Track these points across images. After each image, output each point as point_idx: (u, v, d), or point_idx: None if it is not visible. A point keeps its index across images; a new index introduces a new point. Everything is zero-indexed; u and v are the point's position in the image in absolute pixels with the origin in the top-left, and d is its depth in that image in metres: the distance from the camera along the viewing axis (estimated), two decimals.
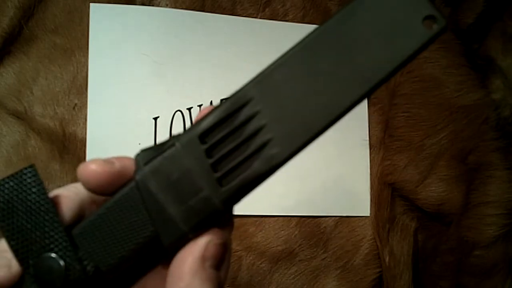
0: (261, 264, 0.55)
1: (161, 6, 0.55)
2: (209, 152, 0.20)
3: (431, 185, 0.59)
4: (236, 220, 0.55)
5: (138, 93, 0.53)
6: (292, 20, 0.59)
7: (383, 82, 0.20)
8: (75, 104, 0.52)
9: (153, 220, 0.20)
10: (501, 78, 0.64)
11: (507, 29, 0.64)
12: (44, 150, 0.50)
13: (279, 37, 0.58)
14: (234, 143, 0.20)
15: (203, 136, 0.20)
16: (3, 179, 0.20)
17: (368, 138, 0.59)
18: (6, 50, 0.51)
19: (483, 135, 0.61)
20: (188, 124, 0.54)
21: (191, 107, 0.55)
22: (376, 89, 0.20)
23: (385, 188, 0.59)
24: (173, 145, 0.20)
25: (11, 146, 0.50)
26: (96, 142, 0.51)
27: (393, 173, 0.59)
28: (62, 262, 0.19)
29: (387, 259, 0.58)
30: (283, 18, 0.59)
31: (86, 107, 0.51)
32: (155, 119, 0.53)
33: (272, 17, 0.58)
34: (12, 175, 0.20)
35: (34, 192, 0.20)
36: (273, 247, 0.55)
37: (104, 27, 0.53)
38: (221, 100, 0.56)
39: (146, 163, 0.20)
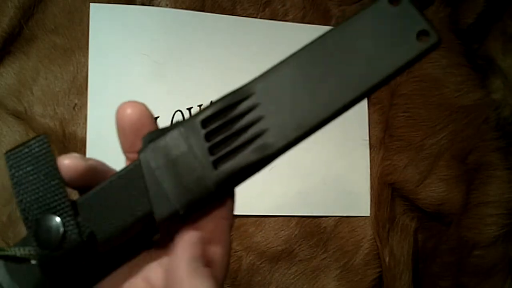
0: (261, 264, 0.55)
1: (161, 6, 0.55)
2: (208, 137, 0.22)
3: (431, 185, 0.59)
4: (236, 220, 0.55)
5: (138, 93, 0.53)
6: (292, 20, 0.59)
7: (374, 89, 0.22)
8: (75, 104, 0.52)
9: (150, 196, 0.22)
10: (501, 78, 0.64)
11: (507, 29, 0.64)
12: None
13: (279, 37, 0.58)
14: (232, 130, 0.22)
15: (205, 122, 0.22)
16: (17, 146, 0.22)
17: (368, 138, 0.59)
18: (6, 50, 0.51)
19: (483, 135, 0.61)
20: None
21: (191, 107, 0.55)
22: (368, 95, 0.22)
23: (385, 188, 0.59)
24: (176, 127, 0.22)
25: (11, 146, 0.50)
26: (96, 142, 0.51)
27: (393, 173, 0.59)
28: (61, 224, 0.21)
29: (387, 259, 0.58)
30: (283, 18, 0.59)
31: (86, 107, 0.51)
32: (155, 119, 0.53)
33: (272, 17, 0.58)
34: (26, 142, 0.22)
35: (44, 159, 0.22)
36: (273, 247, 0.55)
37: (104, 27, 0.53)
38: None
39: (150, 141, 0.22)
